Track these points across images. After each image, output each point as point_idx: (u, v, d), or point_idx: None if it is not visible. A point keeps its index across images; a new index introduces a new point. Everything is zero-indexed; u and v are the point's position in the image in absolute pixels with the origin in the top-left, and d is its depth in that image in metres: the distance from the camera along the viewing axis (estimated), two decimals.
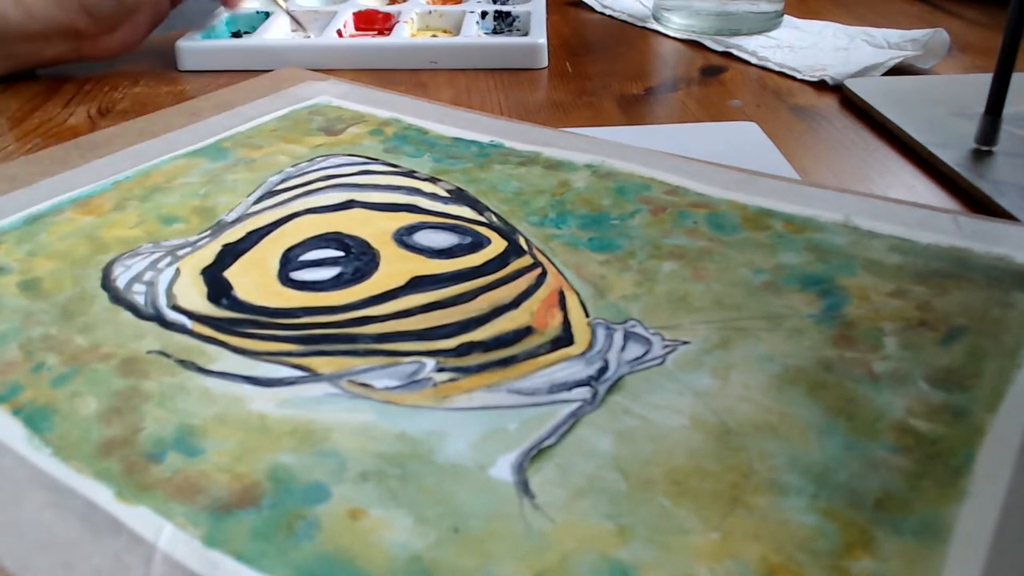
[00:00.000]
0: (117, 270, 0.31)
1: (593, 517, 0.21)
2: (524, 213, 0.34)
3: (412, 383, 0.25)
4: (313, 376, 0.26)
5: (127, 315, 0.28)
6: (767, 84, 0.53)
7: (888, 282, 0.29)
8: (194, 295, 0.29)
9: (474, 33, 0.60)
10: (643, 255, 0.31)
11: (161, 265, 0.31)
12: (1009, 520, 0.20)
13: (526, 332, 0.27)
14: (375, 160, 0.39)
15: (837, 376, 0.25)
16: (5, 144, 0.46)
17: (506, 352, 0.26)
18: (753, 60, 0.57)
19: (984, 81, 0.40)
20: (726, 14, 0.61)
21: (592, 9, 0.70)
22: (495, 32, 0.63)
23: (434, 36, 0.61)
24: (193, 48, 0.56)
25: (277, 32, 0.59)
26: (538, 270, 0.30)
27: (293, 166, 0.39)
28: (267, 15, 0.62)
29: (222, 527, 0.20)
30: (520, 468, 0.22)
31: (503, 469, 0.22)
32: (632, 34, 0.64)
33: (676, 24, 0.63)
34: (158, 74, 0.56)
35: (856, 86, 0.49)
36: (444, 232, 0.33)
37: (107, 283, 0.30)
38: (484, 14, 0.62)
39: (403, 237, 0.32)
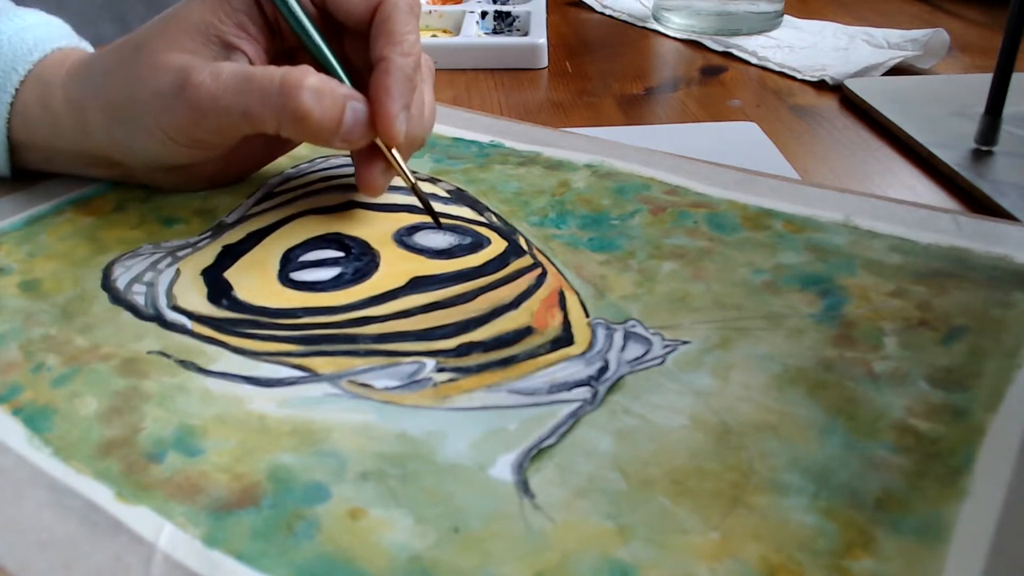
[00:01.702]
0: (117, 271, 0.31)
1: (593, 517, 0.21)
2: (524, 213, 0.34)
3: (412, 383, 0.25)
4: (313, 376, 0.26)
5: (127, 315, 0.28)
6: (767, 84, 0.53)
7: (888, 282, 0.29)
8: (194, 296, 0.29)
9: (474, 33, 0.60)
10: (643, 255, 0.31)
11: (161, 266, 0.31)
12: (1009, 520, 0.20)
13: (526, 332, 0.27)
14: None
15: (837, 376, 0.25)
16: None
17: (506, 352, 0.26)
18: (753, 60, 0.57)
19: (984, 81, 0.40)
20: (726, 14, 0.61)
21: (592, 9, 0.70)
22: (495, 32, 0.63)
23: (434, 36, 0.61)
24: None
25: None
26: (538, 270, 0.30)
27: (293, 167, 0.39)
28: None
29: (222, 527, 0.20)
30: (520, 468, 0.22)
31: (503, 469, 0.22)
32: (632, 34, 0.64)
33: (676, 24, 0.63)
34: None
35: (856, 86, 0.49)
36: (444, 232, 0.33)
37: (107, 284, 0.30)
38: (484, 14, 0.62)
39: (403, 237, 0.32)
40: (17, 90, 0.34)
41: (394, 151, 0.32)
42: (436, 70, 0.56)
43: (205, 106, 0.30)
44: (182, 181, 0.36)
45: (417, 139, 0.33)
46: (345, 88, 0.31)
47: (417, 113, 0.33)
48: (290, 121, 0.30)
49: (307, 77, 0.30)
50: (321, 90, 0.30)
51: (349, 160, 0.39)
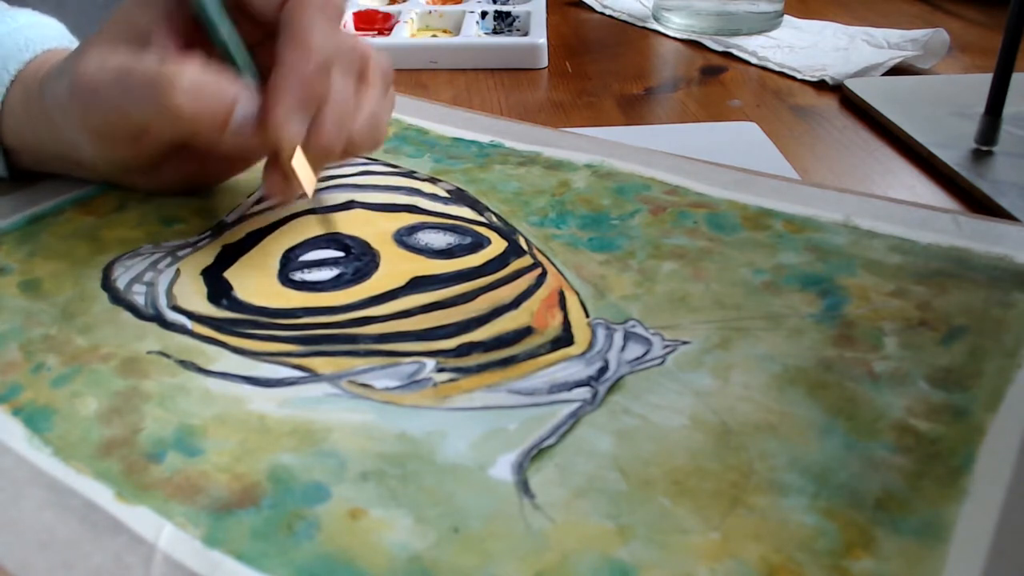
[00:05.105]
0: (117, 271, 0.31)
1: (593, 517, 0.21)
2: (524, 213, 0.34)
3: (412, 383, 0.25)
4: (313, 376, 0.26)
5: (127, 315, 0.28)
6: (767, 84, 0.53)
7: (888, 282, 0.29)
8: (194, 296, 0.29)
9: (474, 33, 0.60)
10: (643, 255, 0.31)
11: (161, 266, 0.31)
12: (1009, 520, 0.20)
13: (526, 332, 0.27)
14: (375, 160, 0.39)
15: (837, 376, 0.25)
16: None
17: (506, 352, 0.26)
18: (753, 60, 0.57)
19: (984, 81, 0.40)
20: (726, 14, 0.61)
21: (592, 9, 0.70)
22: (495, 32, 0.63)
23: (434, 36, 0.61)
24: None
25: None
26: (538, 270, 0.30)
27: None
28: None
29: (222, 527, 0.20)
30: (520, 468, 0.22)
31: (503, 469, 0.22)
32: (632, 34, 0.64)
33: (676, 24, 0.63)
34: None
35: (856, 86, 0.49)
36: (444, 232, 0.33)
37: (107, 284, 0.30)
38: (484, 14, 0.62)
39: (403, 237, 0.32)
40: (7, 91, 0.33)
41: (296, 159, 0.29)
42: (436, 70, 0.56)
43: (87, 99, 0.29)
44: (156, 185, 0.35)
45: (333, 150, 0.30)
46: (237, 85, 0.28)
47: (335, 121, 0.29)
48: (167, 120, 0.27)
49: (185, 71, 0.27)
50: (199, 86, 0.27)
51: (349, 160, 0.39)
